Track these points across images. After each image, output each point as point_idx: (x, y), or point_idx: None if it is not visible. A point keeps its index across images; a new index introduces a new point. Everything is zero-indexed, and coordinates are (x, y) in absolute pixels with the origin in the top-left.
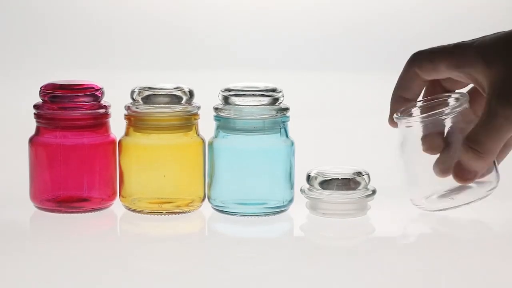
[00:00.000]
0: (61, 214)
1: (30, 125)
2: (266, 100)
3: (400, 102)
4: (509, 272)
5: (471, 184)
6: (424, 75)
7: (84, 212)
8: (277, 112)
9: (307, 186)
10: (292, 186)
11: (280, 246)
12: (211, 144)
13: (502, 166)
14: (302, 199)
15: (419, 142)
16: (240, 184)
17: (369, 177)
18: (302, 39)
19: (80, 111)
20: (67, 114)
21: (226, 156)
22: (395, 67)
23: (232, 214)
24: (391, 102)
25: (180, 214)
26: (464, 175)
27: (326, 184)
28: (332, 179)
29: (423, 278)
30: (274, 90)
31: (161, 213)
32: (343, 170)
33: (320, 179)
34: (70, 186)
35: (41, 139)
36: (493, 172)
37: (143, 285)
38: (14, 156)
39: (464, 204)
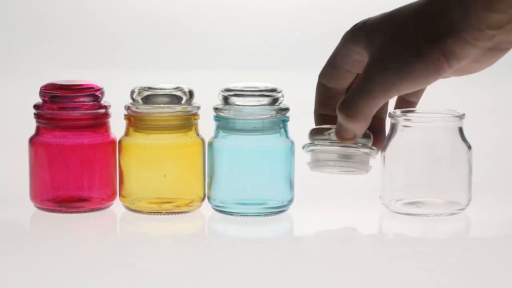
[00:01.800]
0: (61, 214)
1: (30, 125)
2: (266, 100)
3: (323, 121)
4: (508, 273)
5: (440, 200)
6: (332, 82)
7: (84, 212)
8: (277, 112)
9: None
10: (292, 186)
11: (280, 246)
12: (211, 144)
13: (501, 166)
14: (302, 199)
15: (402, 147)
16: (240, 184)
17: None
18: (303, 39)
19: (80, 111)
20: (67, 114)
21: (226, 156)
22: None
23: (232, 214)
24: (315, 121)
25: (180, 214)
26: (343, 134)
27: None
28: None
29: (423, 279)
30: (274, 90)
31: (160, 213)
32: None
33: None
34: (70, 186)
35: (41, 139)
36: (465, 193)
37: (143, 285)
38: (14, 156)
39: (430, 215)
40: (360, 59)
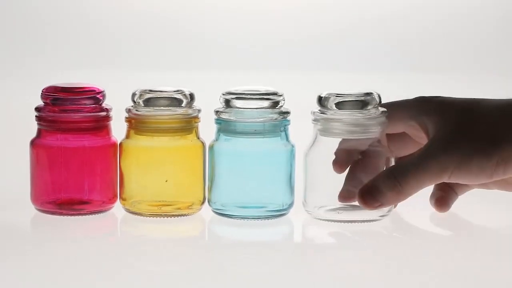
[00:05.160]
0: (61, 217)
1: (32, 128)
2: (267, 103)
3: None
4: (507, 273)
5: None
6: None
7: (85, 214)
8: (278, 115)
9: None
10: (292, 190)
11: (280, 249)
12: (211, 147)
13: None
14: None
15: (323, 151)
16: (240, 187)
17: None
18: (303, 40)
19: (82, 114)
20: (68, 117)
21: (227, 159)
22: (395, 67)
23: (232, 217)
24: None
25: (180, 217)
26: (371, 201)
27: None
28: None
29: (423, 281)
30: (275, 93)
31: (160, 215)
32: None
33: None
34: (71, 188)
35: (42, 141)
36: None
37: None
38: (15, 158)
39: (349, 221)
40: (417, 126)
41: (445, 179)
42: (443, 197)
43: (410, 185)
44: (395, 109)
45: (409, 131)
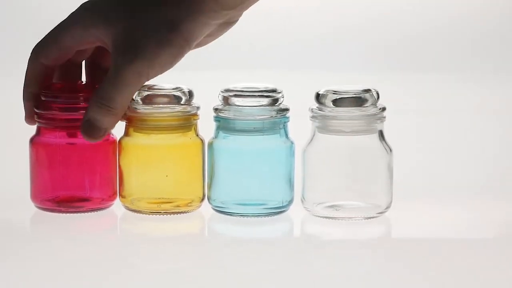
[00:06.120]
0: (61, 214)
1: (31, 125)
2: (265, 100)
3: (33, 100)
4: (506, 273)
5: (360, 203)
6: (53, 61)
7: (85, 212)
8: (277, 112)
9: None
10: (292, 186)
11: (280, 246)
12: (211, 144)
13: (501, 169)
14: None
15: (322, 149)
16: (240, 184)
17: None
18: (302, 39)
19: (81, 112)
20: (67, 114)
21: (226, 157)
22: (394, 67)
23: (232, 215)
24: (24, 101)
25: (179, 214)
26: (94, 132)
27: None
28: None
29: (421, 280)
30: (274, 90)
31: (160, 213)
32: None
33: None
34: (70, 186)
35: (41, 139)
36: (385, 197)
37: (142, 285)
38: (15, 155)
39: (348, 218)
40: (94, 40)
41: (146, 80)
42: None
43: (119, 103)
44: (61, 36)
45: (82, 46)
